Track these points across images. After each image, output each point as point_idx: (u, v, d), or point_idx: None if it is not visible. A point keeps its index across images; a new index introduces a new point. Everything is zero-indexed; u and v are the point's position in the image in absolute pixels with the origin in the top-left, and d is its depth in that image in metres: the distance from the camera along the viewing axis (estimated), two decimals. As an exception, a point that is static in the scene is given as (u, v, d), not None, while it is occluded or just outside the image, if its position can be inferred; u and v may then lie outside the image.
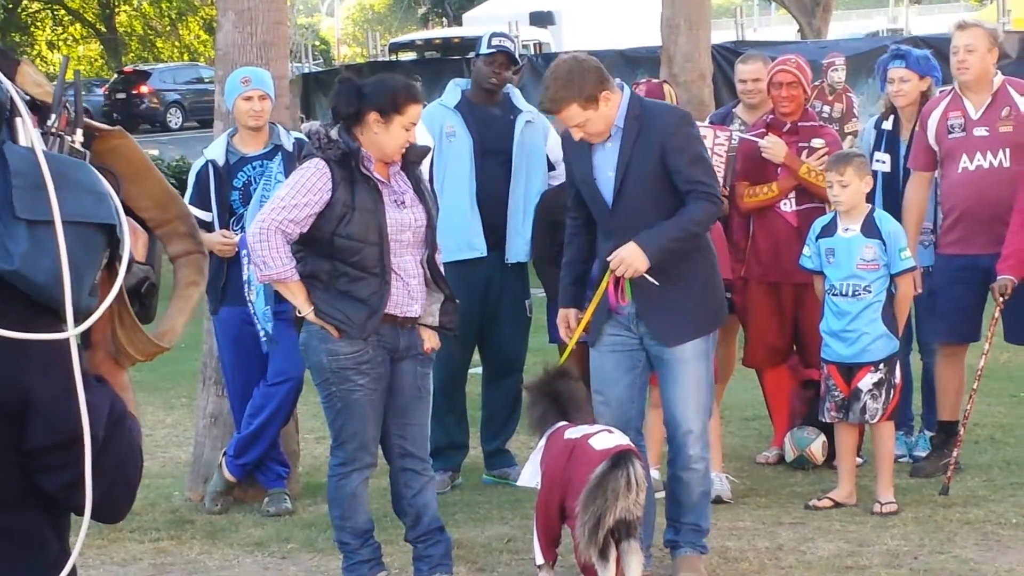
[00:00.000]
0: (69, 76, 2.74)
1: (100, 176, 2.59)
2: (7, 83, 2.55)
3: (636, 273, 6.63)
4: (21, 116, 2.53)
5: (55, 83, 2.68)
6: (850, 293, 7.95)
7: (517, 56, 8.94)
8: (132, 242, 2.64)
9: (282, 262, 6.51)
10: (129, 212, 2.70)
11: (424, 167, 7.09)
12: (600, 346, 6.94)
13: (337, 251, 6.53)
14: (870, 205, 8.09)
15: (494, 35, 8.87)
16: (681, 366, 6.81)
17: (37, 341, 2.48)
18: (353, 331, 6.54)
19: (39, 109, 2.64)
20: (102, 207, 2.54)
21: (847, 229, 7.98)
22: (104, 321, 2.61)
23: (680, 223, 6.68)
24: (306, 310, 6.58)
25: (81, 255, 2.49)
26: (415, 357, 6.75)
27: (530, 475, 6.65)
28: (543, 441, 6.67)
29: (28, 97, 2.63)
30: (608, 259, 6.67)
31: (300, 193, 6.49)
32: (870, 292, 7.92)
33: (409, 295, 6.63)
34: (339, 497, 6.80)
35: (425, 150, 6.89)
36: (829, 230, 8.06)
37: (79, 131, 2.64)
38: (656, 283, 6.66)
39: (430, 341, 6.78)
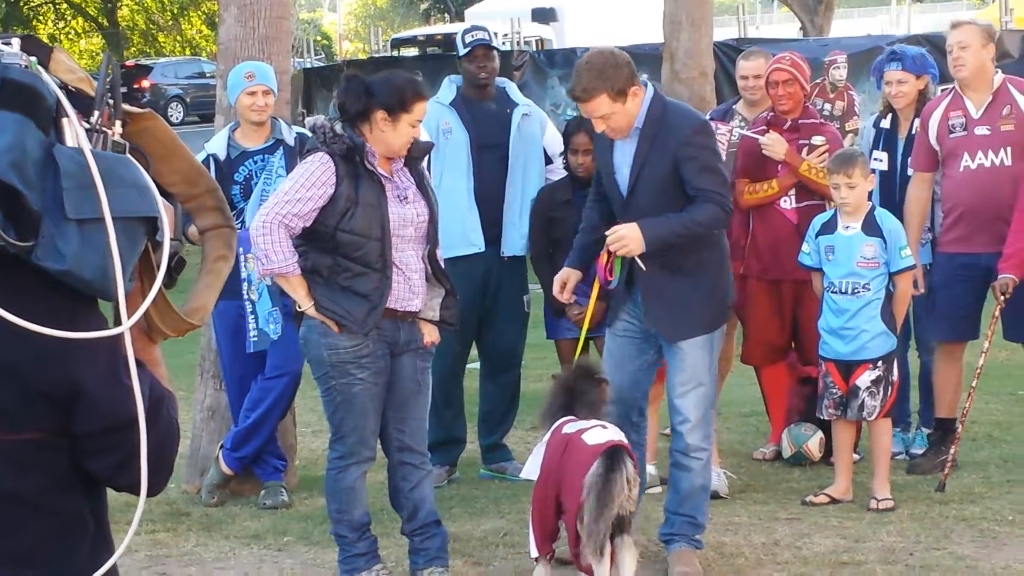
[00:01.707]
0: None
1: (141, 168, 2.69)
2: (53, 85, 2.62)
3: (629, 253, 6.71)
4: (68, 116, 2.61)
5: (97, 78, 2.74)
6: (849, 291, 7.95)
7: (496, 44, 8.95)
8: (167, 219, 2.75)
9: (284, 256, 6.50)
10: (159, 188, 2.78)
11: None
12: (614, 330, 7.05)
13: (339, 246, 6.52)
14: (870, 203, 8.09)
15: (466, 32, 8.89)
16: (683, 355, 6.86)
17: (84, 331, 2.59)
18: (354, 326, 6.53)
19: (74, 97, 2.70)
20: (145, 200, 2.66)
21: (848, 227, 7.98)
22: (136, 298, 2.69)
23: (684, 219, 6.72)
24: (307, 305, 6.57)
25: (126, 248, 2.61)
26: (415, 351, 6.75)
27: (533, 468, 6.66)
28: (548, 435, 6.68)
29: (60, 83, 2.69)
30: (607, 233, 6.73)
31: (304, 187, 6.49)
32: (869, 290, 7.92)
33: (410, 290, 6.63)
34: (337, 490, 6.79)
35: (428, 146, 6.91)
36: (829, 227, 8.06)
37: (118, 122, 2.72)
38: (644, 268, 6.74)
39: (430, 335, 6.78)
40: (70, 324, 2.59)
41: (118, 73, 2.82)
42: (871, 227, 7.96)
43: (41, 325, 2.53)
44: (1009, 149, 8.42)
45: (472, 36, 8.78)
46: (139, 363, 2.69)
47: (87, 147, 2.58)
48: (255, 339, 8.11)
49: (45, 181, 2.56)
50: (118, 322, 2.63)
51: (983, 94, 8.51)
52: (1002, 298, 8.14)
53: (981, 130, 8.45)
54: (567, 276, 7.10)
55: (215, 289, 2.94)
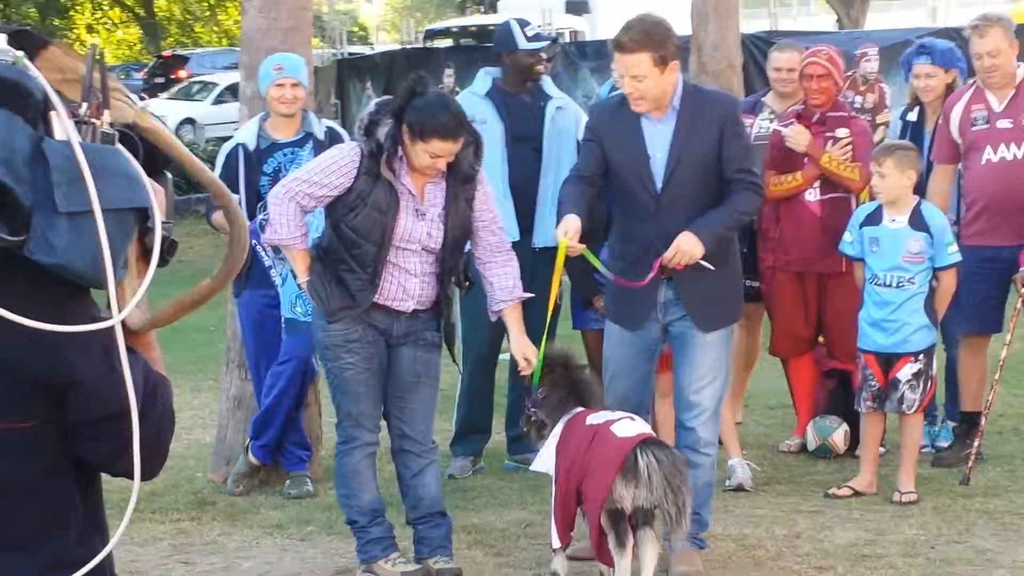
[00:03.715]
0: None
1: (131, 157, 2.71)
2: (41, 79, 2.64)
3: (692, 260, 6.61)
4: (56, 109, 2.62)
5: (84, 70, 2.75)
6: (894, 284, 7.92)
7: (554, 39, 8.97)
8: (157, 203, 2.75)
9: (289, 230, 6.66)
10: (151, 168, 2.80)
11: None
12: (622, 335, 6.94)
13: (341, 237, 6.62)
14: (917, 197, 8.05)
15: (524, 25, 8.86)
16: (704, 349, 6.81)
17: (77, 322, 2.63)
18: (327, 314, 6.68)
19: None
20: (136, 191, 2.68)
21: (893, 220, 7.95)
22: (129, 284, 2.73)
23: (730, 211, 6.72)
24: (302, 279, 6.75)
25: (117, 238, 2.63)
26: (415, 343, 6.77)
27: (544, 460, 6.67)
28: (560, 427, 6.67)
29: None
30: (665, 256, 6.59)
31: (326, 172, 6.60)
32: (914, 284, 7.90)
33: (405, 292, 6.67)
34: (342, 475, 6.89)
35: (470, 175, 6.69)
36: (874, 219, 8.03)
37: (107, 112, 2.71)
38: (712, 268, 6.65)
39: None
40: (62, 315, 2.62)
41: (104, 63, 2.83)
42: (918, 222, 7.93)
43: (34, 317, 2.56)
44: (1031, 143, 8.41)
45: (533, 31, 8.84)
46: (132, 350, 2.71)
47: (76, 140, 2.60)
48: (283, 327, 8.17)
49: (35, 176, 2.58)
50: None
51: (1006, 88, 8.50)
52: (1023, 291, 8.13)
53: (1003, 123, 8.44)
54: (571, 222, 6.62)
55: (183, 310, 2.92)
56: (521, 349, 6.78)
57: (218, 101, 35.87)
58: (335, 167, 6.58)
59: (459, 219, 6.67)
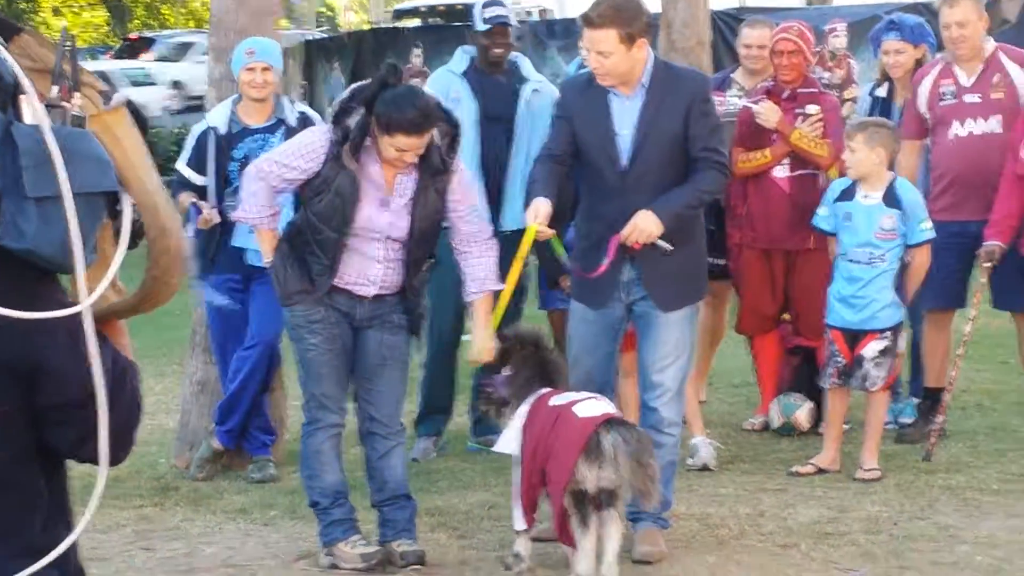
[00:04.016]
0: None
1: (99, 142, 2.69)
2: (11, 62, 2.63)
3: (650, 238, 6.59)
4: (26, 93, 2.61)
5: (55, 54, 2.74)
6: (865, 260, 7.91)
7: (515, 21, 8.92)
8: None
9: (257, 210, 6.71)
10: None
11: None
12: (585, 313, 6.92)
13: (307, 221, 6.62)
14: (892, 174, 8.05)
15: (486, 6, 8.82)
16: (667, 328, 6.79)
17: (44, 307, 2.62)
18: (281, 296, 6.71)
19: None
20: (105, 174, 2.67)
21: (867, 196, 7.94)
22: (99, 268, 2.72)
23: (693, 190, 6.69)
24: (266, 259, 6.78)
25: (87, 223, 2.61)
26: (381, 326, 6.74)
27: (508, 441, 6.63)
28: (525, 407, 6.64)
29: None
30: (623, 233, 6.59)
31: (295, 155, 6.61)
32: (884, 261, 7.90)
33: (366, 277, 6.65)
34: (306, 455, 6.89)
35: (439, 169, 6.61)
36: (848, 194, 8.02)
37: (77, 95, 2.71)
38: (671, 248, 6.63)
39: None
40: (31, 300, 2.61)
41: (76, 48, 2.81)
42: (891, 198, 7.93)
43: (1, 303, 2.55)
44: (999, 117, 8.42)
45: (492, 12, 8.73)
46: (101, 336, 2.69)
47: (46, 124, 2.58)
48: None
49: (4, 160, 2.57)
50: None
51: (974, 63, 8.50)
52: (988, 265, 8.14)
53: (971, 98, 8.45)
54: (541, 206, 6.62)
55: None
56: (480, 344, 6.75)
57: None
58: (305, 151, 6.58)
59: (427, 211, 6.62)
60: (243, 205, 6.78)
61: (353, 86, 6.74)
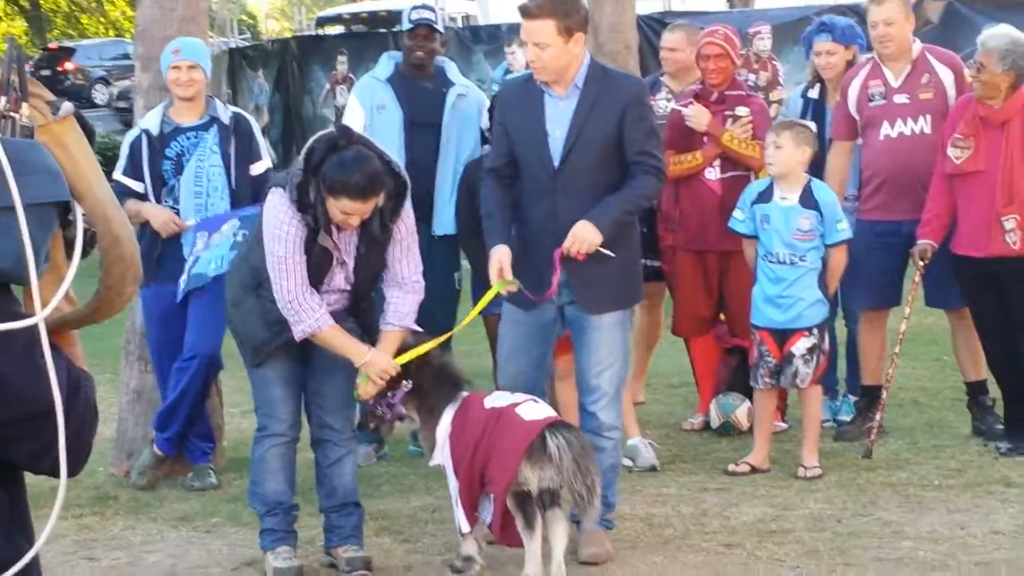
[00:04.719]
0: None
1: (49, 152, 2.66)
2: None
3: (591, 248, 6.58)
4: None
5: (2, 66, 2.72)
6: (787, 261, 7.96)
7: (440, 26, 8.90)
8: None
9: (316, 318, 6.44)
10: None
11: None
12: (516, 314, 6.90)
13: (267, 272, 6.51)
14: (807, 175, 8.10)
15: (414, 8, 8.81)
16: (600, 333, 6.78)
17: None
18: (244, 356, 6.73)
19: None
20: (56, 185, 2.64)
21: (784, 198, 7.99)
22: (50, 278, 2.69)
23: (630, 196, 6.68)
24: (360, 360, 6.52)
25: (39, 234, 2.59)
26: None
27: (442, 454, 6.57)
28: (448, 416, 6.59)
29: None
30: (564, 245, 6.56)
31: (279, 240, 6.39)
32: (805, 261, 7.94)
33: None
34: (251, 461, 6.89)
35: (377, 235, 6.54)
36: (765, 196, 8.07)
37: (25, 106, 2.69)
38: (613, 255, 6.62)
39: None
40: None
41: (24, 57, 2.78)
42: (808, 199, 7.98)
43: None
44: (928, 117, 8.49)
45: (418, 15, 8.72)
46: (55, 347, 2.67)
47: None
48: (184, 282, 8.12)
49: None
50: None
51: (902, 63, 8.57)
52: (921, 264, 8.22)
53: (900, 99, 8.52)
54: (502, 256, 6.71)
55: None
56: (382, 364, 6.56)
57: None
58: (280, 231, 6.38)
59: (370, 269, 6.60)
60: (300, 326, 6.44)
61: (310, 141, 6.56)
